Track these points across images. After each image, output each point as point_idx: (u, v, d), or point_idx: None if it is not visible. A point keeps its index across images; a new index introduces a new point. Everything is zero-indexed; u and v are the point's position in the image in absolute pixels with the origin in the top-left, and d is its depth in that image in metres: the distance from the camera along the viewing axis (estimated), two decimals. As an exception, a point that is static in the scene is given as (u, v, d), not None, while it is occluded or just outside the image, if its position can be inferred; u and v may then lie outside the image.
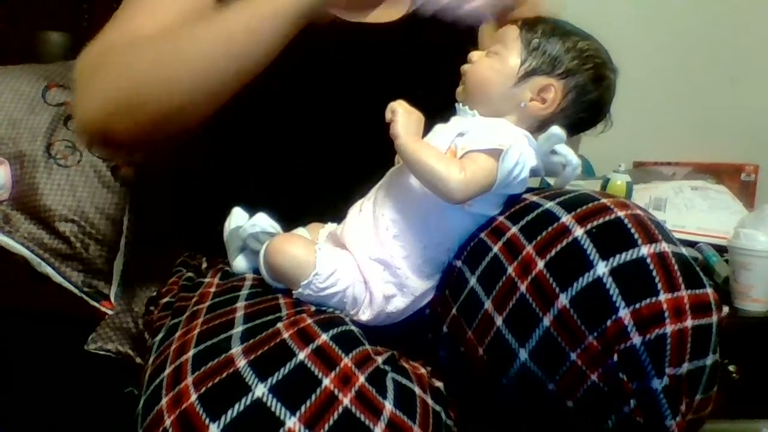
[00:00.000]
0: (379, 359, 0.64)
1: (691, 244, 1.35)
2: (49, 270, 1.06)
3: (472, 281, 0.70)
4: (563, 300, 0.61)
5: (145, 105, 0.75)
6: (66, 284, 1.06)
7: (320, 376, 0.58)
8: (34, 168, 1.10)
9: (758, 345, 1.20)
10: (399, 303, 0.73)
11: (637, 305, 0.59)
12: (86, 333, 0.98)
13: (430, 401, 0.65)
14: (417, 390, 0.64)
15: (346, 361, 0.60)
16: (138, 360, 0.94)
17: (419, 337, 0.77)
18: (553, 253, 0.63)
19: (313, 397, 0.56)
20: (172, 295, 0.84)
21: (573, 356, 0.62)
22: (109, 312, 1.05)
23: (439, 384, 0.70)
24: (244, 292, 0.73)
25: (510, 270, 0.66)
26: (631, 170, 1.51)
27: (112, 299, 1.07)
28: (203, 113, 0.77)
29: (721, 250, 1.33)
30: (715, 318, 0.61)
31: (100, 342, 0.97)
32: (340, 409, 0.56)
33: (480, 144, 0.69)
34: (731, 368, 1.15)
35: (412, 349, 0.74)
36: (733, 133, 1.64)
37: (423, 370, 0.70)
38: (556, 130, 0.72)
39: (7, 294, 1.03)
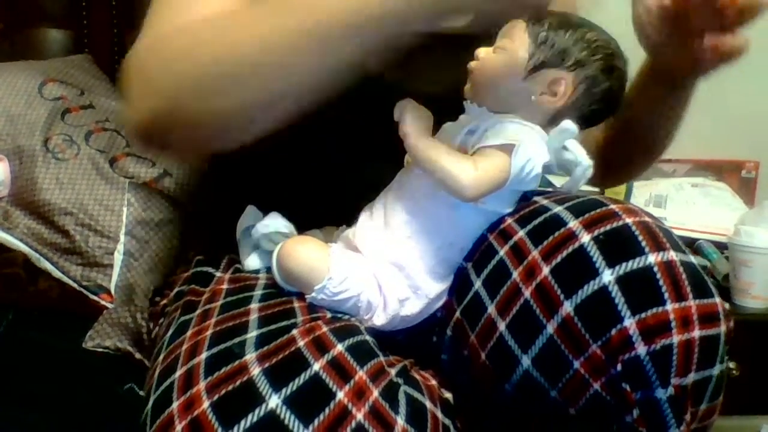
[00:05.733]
0: (392, 372, 0.63)
1: (692, 241, 1.36)
2: (48, 265, 1.06)
3: (477, 284, 0.69)
4: (568, 307, 0.60)
5: (215, 93, 0.63)
6: (65, 279, 1.06)
7: (335, 389, 0.57)
8: (33, 163, 1.10)
9: (758, 342, 1.20)
10: (413, 306, 0.71)
11: (643, 315, 0.58)
12: (86, 329, 0.97)
13: (440, 415, 0.64)
14: (428, 404, 0.63)
15: (361, 373, 0.59)
16: (138, 356, 0.93)
17: (428, 340, 0.76)
18: (558, 259, 0.62)
19: (327, 410, 0.55)
20: (182, 282, 0.83)
21: (576, 364, 0.61)
22: (109, 305, 1.04)
23: (448, 395, 0.70)
24: (258, 292, 0.72)
25: (515, 275, 0.65)
26: (631, 167, 1.51)
27: (112, 291, 1.06)
28: (278, 114, 0.66)
29: (721, 247, 1.33)
30: (723, 328, 0.60)
31: (98, 339, 0.96)
32: (353, 424, 0.55)
33: (491, 140, 0.68)
34: (731, 365, 1.15)
35: (422, 356, 0.73)
36: (734, 130, 1.63)
37: (433, 381, 0.69)
38: (568, 124, 0.71)
39: (6, 290, 1.02)
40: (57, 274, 1.05)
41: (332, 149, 0.83)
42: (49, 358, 0.93)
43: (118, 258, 1.07)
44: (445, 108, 0.74)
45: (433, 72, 0.78)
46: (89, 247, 1.06)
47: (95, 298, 1.05)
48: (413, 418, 0.59)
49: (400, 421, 0.58)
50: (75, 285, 1.05)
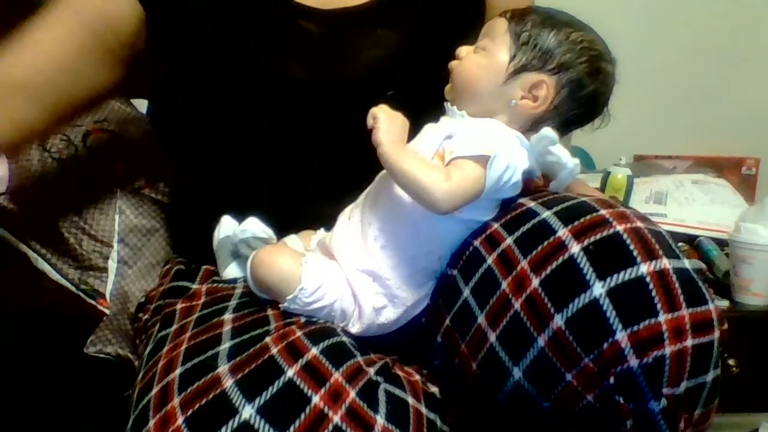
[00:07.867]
0: (371, 370, 0.62)
1: (692, 238, 1.35)
2: (46, 267, 1.06)
3: (466, 292, 0.68)
4: (558, 321, 0.59)
5: None
6: (63, 281, 1.06)
7: (309, 393, 0.57)
8: (29, 162, 1.10)
9: (758, 339, 1.20)
10: (390, 314, 0.70)
11: (635, 328, 0.57)
12: (84, 333, 0.97)
13: (424, 410, 0.63)
14: (410, 400, 0.63)
15: (336, 376, 0.59)
16: (137, 363, 0.93)
17: (414, 345, 0.75)
18: (548, 270, 0.60)
19: (302, 416, 0.55)
20: (159, 296, 0.83)
21: (568, 377, 0.60)
22: (106, 311, 1.04)
23: (434, 389, 0.69)
24: (233, 302, 0.72)
25: (504, 285, 0.63)
26: (631, 164, 1.51)
27: (108, 299, 1.06)
28: None
29: (721, 243, 1.32)
30: (716, 334, 0.59)
31: (100, 345, 0.96)
32: (330, 427, 0.55)
33: (466, 150, 0.65)
34: (731, 362, 1.15)
35: (406, 354, 0.72)
36: (734, 127, 1.63)
37: (417, 377, 0.68)
38: (548, 132, 0.68)
39: (5, 291, 1.03)
40: (54, 276, 1.05)
41: (310, 154, 0.82)
42: (49, 363, 0.93)
43: (112, 266, 1.07)
44: (426, 109, 0.72)
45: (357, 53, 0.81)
46: (84, 250, 1.06)
47: (92, 302, 1.05)
48: (394, 415, 0.59)
49: (380, 419, 0.58)
50: (73, 288, 1.06)
